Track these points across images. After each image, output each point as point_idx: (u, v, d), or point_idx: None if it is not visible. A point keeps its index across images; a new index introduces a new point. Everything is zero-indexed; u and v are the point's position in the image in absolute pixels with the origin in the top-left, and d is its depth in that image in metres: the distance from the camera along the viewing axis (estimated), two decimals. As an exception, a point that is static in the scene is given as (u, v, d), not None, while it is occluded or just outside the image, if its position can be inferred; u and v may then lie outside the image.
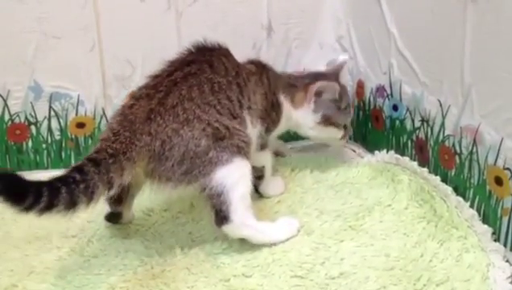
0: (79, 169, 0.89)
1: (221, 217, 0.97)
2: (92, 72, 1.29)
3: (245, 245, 1.01)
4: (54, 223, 1.04)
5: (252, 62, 1.16)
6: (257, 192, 1.14)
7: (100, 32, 1.27)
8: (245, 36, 1.34)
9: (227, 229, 0.98)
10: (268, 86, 1.14)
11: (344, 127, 1.23)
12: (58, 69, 1.28)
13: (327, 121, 1.19)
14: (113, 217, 1.08)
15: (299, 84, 1.19)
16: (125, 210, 1.07)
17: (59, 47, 1.26)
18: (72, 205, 0.86)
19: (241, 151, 1.00)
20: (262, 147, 1.14)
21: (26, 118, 1.30)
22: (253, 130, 1.08)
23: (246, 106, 1.06)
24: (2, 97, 1.27)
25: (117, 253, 1.01)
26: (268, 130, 1.14)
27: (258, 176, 1.14)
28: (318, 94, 1.17)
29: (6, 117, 1.28)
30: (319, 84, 1.17)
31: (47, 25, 1.24)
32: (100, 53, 1.29)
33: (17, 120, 1.29)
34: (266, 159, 1.17)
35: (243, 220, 0.98)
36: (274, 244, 1.01)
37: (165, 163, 0.95)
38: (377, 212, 1.10)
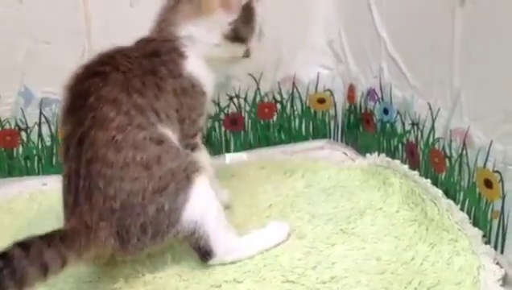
0: (2, 255, 0.78)
1: (204, 254, 0.94)
2: None
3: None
4: (44, 231, 1.04)
5: (144, 46, 1.01)
6: None
7: (90, 37, 1.27)
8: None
9: (214, 262, 0.95)
10: (170, 75, 0.98)
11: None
12: (48, 75, 1.27)
13: (236, 34, 1.02)
14: None
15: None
16: None
17: (50, 53, 1.26)
18: None
19: (189, 174, 0.92)
20: (192, 149, 1.03)
21: (16, 124, 1.29)
22: (175, 136, 0.98)
23: (156, 120, 0.93)
24: (-8, 103, 1.27)
25: (107, 261, 1.00)
26: (194, 125, 1.02)
27: None
28: None
29: (-4, 123, 1.28)
30: None
31: (37, 30, 1.24)
32: (90, 58, 1.28)
33: (7, 126, 1.29)
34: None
35: (227, 248, 0.95)
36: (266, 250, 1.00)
37: (129, 243, 0.89)
38: (368, 215, 1.10)
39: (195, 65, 1.01)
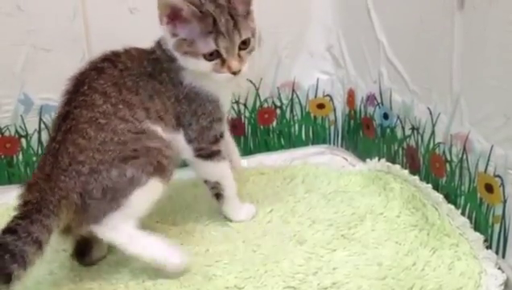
0: None
1: (94, 216, 0.93)
2: None
3: (236, 256, 1.00)
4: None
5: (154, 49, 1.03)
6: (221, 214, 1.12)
7: (89, 44, 1.27)
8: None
9: (96, 228, 0.94)
10: (171, 82, 1.01)
11: (218, 56, 0.97)
12: (48, 82, 1.27)
13: (185, 47, 0.97)
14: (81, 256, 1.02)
15: None
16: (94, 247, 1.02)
17: (49, 60, 1.26)
18: (7, 277, 0.82)
19: (159, 170, 0.96)
20: (206, 155, 1.05)
21: (16, 131, 1.29)
22: (171, 135, 1.00)
23: (144, 117, 0.97)
24: (-9, 110, 1.27)
25: (109, 267, 1.00)
26: (205, 131, 1.03)
27: (216, 194, 1.10)
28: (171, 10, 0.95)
29: (-4, 130, 1.28)
30: None
31: (37, 37, 1.24)
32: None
33: (7, 133, 1.29)
34: (217, 173, 1.08)
35: (114, 226, 0.94)
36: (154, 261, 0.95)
37: (90, 207, 0.92)
38: (369, 220, 1.10)
39: (193, 74, 1.01)
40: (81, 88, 0.97)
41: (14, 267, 0.83)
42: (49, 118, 1.29)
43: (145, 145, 0.95)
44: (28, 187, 0.92)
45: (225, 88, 1.05)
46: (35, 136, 1.30)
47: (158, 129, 0.99)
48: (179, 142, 1.03)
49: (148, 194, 0.96)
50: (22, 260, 0.84)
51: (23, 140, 1.30)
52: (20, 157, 1.31)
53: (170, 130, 1.01)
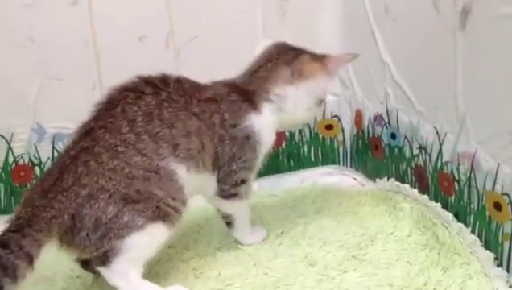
0: None
1: (102, 259, 0.92)
2: None
3: (248, 279, 1.01)
4: (58, 264, 1.05)
5: (213, 94, 1.03)
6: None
7: (100, 72, 1.30)
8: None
9: (103, 270, 0.93)
10: (221, 126, 1.01)
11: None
12: (60, 110, 1.30)
13: (322, 98, 1.09)
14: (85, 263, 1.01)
15: (296, 60, 1.06)
16: None
17: (61, 89, 1.29)
18: None
19: (161, 215, 0.93)
20: (229, 195, 1.05)
21: (30, 159, 1.32)
22: (199, 175, 1.00)
23: (169, 153, 0.95)
24: (5, 139, 1.29)
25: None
26: (233, 174, 1.04)
27: (227, 222, 1.11)
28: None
29: (11, 159, 1.30)
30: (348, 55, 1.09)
31: (49, 68, 1.27)
32: (101, 93, 1.27)
33: (21, 162, 1.31)
34: (233, 208, 1.09)
35: (120, 272, 0.92)
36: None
37: (79, 233, 0.91)
38: (379, 241, 1.10)
39: (264, 122, 1.04)
40: (114, 108, 0.96)
41: (5, 281, 0.83)
42: (62, 146, 1.31)
43: (150, 190, 0.93)
44: (23, 201, 0.92)
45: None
46: (49, 164, 1.32)
47: (183, 168, 0.96)
48: (207, 182, 1.03)
49: (149, 238, 0.93)
50: (13, 274, 0.84)
51: (37, 168, 1.32)
52: (34, 185, 1.33)
53: (200, 170, 0.99)
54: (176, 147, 0.96)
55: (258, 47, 1.11)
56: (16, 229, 0.88)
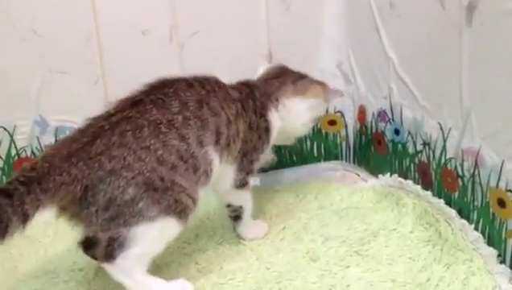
0: None
1: (108, 255, 0.90)
2: (96, 105, 1.27)
3: (250, 274, 1.01)
4: (61, 257, 1.05)
5: (241, 84, 1.12)
6: (235, 231, 1.14)
7: (103, 66, 1.30)
8: (246, 66, 1.35)
9: (108, 267, 0.92)
10: (254, 111, 1.09)
11: None
12: (63, 103, 1.30)
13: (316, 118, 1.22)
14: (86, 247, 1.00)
15: (301, 80, 1.18)
16: None
17: (64, 82, 1.28)
18: None
19: (177, 209, 0.92)
20: (241, 185, 1.08)
21: (32, 152, 1.31)
22: (225, 165, 1.02)
23: (212, 142, 0.97)
24: (8, 132, 1.29)
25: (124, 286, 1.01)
26: (250, 164, 1.09)
27: (235, 216, 1.12)
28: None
29: (13, 152, 1.30)
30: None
31: (52, 61, 1.26)
32: (104, 86, 1.30)
33: (23, 154, 1.31)
34: (244, 199, 1.11)
35: (127, 270, 0.91)
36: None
37: (88, 207, 0.88)
38: (382, 236, 1.10)
39: (274, 124, 1.13)
40: (167, 89, 0.98)
41: None
42: (64, 139, 1.31)
43: (173, 179, 0.92)
44: (45, 155, 0.90)
45: None
46: (51, 157, 1.32)
47: (217, 159, 0.99)
48: (228, 171, 1.05)
49: (157, 233, 0.91)
50: (4, 229, 0.81)
51: (39, 161, 1.32)
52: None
53: (229, 162, 1.03)
54: (219, 135, 0.99)
55: (260, 70, 1.21)
56: (24, 181, 0.85)
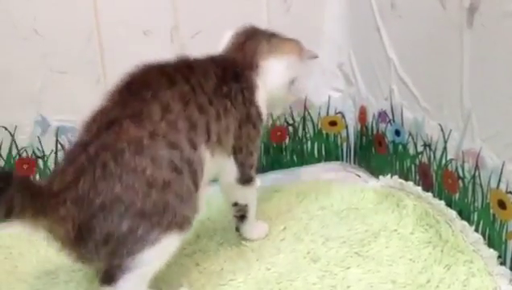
0: None
1: (108, 279, 0.86)
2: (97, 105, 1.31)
3: (250, 275, 1.01)
4: (61, 258, 1.05)
5: (222, 68, 1.01)
6: (237, 231, 1.13)
7: (104, 66, 1.30)
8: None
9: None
10: (243, 104, 1.01)
11: None
12: (64, 103, 1.30)
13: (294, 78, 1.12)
14: None
15: (274, 37, 1.10)
16: None
17: (65, 82, 1.28)
18: None
19: (178, 223, 0.87)
20: (246, 180, 1.05)
21: (33, 152, 1.31)
22: (221, 158, 0.98)
23: (203, 140, 0.92)
24: (9, 132, 1.29)
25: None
26: (251, 155, 1.04)
27: (241, 215, 1.11)
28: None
29: (14, 151, 1.30)
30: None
31: (53, 60, 1.27)
32: (105, 86, 1.30)
33: (24, 154, 1.31)
34: (249, 196, 1.09)
35: (129, 288, 0.86)
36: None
37: (85, 246, 0.84)
38: (382, 237, 1.10)
39: (260, 96, 1.05)
40: (145, 92, 0.89)
41: None
42: (65, 139, 1.31)
43: (166, 200, 0.86)
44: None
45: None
46: (52, 157, 1.32)
47: (207, 156, 0.93)
48: (226, 167, 1.02)
49: (161, 252, 0.87)
50: None
51: (40, 161, 1.32)
52: (37, 178, 1.32)
53: (223, 155, 0.99)
54: (210, 132, 0.93)
55: (227, 35, 1.11)
56: (24, 181, 0.83)
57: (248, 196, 1.10)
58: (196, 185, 0.91)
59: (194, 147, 0.90)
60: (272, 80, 1.07)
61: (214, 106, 0.95)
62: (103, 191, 0.83)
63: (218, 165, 0.99)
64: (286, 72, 1.09)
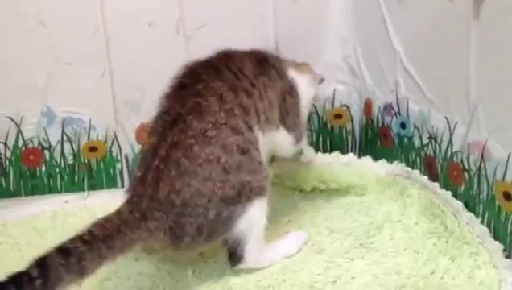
0: (40, 263, 0.78)
1: (235, 259, 0.97)
2: (103, 97, 1.31)
3: (256, 265, 1.02)
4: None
5: (252, 55, 1.07)
6: None
7: (110, 58, 1.30)
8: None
9: (241, 267, 0.98)
10: (279, 76, 1.07)
11: None
12: (70, 95, 1.30)
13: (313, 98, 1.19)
14: None
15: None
16: None
17: (71, 74, 1.28)
18: None
19: (256, 192, 0.95)
20: (298, 140, 1.12)
21: (39, 143, 1.32)
22: (271, 133, 1.03)
23: (255, 122, 0.98)
24: (15, 122, 1.30)
25: (130, 275, 1.01)
26: (295, 126, 1.09)
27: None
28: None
29: (20, 142, 1.31)
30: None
31: (59, 52, 1.27)
32: (110, 78, 1.31)
33: (30, 145, 1.32)
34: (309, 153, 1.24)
35: (256, 259, 0.98)
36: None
37: (182, 241, 0.91)
38: (387, 229, 1.10)
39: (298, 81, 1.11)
40: (198, 85, 0.95)
41: None
42: (71, 130, 1.32)
43: (242, 179, 0.93)
44: (109, 216, 0.87)
45: None
46: (58, 148, 1.32)
47: (260, 136, 0.99)
48: (279, 138, 1.06)
49: (254, 216, 0.95)
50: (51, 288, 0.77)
51: (46, 152, 1.32)
52: (43, 169, 1.33)
53: (272, 131, 1.03)
54: (259, 113, 0.98)
55: None
56: (87, 239, 0.82)
57: (308, 152, 1.20)
58: (260, 156, 0.97)
59: (251, 129, 0.96)
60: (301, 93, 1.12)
61: (256, 88, 0.99)
62: (182, 189, 0.88)
63: (270, 142, 1.03)
64: (308, 89, 1.15)
